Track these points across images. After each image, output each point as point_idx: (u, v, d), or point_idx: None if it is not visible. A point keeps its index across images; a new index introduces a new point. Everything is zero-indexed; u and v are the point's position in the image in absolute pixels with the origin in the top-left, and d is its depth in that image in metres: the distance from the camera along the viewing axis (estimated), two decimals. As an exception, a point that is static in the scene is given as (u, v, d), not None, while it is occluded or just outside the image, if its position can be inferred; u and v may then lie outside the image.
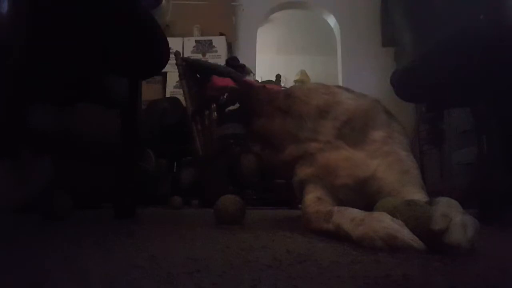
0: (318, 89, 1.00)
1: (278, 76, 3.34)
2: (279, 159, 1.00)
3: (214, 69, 2.74)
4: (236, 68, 3.02)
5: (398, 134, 0.92)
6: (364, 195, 0.84)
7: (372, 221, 0.63)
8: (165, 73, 3.80)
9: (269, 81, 3.30)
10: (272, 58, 6.10)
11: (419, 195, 0.79)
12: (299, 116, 0.95)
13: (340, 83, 4.70)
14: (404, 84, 1.51)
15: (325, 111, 0.92)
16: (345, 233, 0.67)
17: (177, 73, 2.72)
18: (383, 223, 0.61)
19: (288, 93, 1.03)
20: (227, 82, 2.49)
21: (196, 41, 4.02)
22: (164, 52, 1.35)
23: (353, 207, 0.76)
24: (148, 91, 3.49)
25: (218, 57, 3.92)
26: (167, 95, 3.79)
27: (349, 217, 0.68)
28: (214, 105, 2.34)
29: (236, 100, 1.19)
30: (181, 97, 2.87)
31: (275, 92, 1.09)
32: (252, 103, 1.06)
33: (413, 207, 0.64)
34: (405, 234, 0.59)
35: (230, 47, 4.25)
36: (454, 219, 0.56)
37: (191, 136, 2.51)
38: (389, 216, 0.63)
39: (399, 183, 0.82)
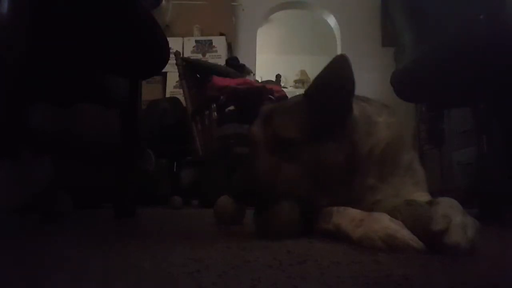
0: (365, 112, 0.82)
1: (278, 76, 3.34)
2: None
3: (214, 69, 2.74)
4: (236, 68, 3.02)
5: (414, 150, 0.90)
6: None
7: (371, 222, 0.63)
8: (165, 73, 3.80)
9: (269, 81, 3.30)
10: (272, 58, 6.10)
11: (425, 197, 0.79)
12: (358, 161, 0.78)
13: (340, 83, 4.69)
14: (404, 84, 1.52)
15: (373, 154, 0.79)
16: (345, 233, 0.67)
17: (177, 73, 2.72)
18: (382, 223, 0.62)
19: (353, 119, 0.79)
20: (227, 82, 2.49)
21: (196, 41, 4.01)
22: (164, 52, 1.35)
23: None
24: (148, 91, 3.49)
25: (218, 57, 3.92)
26: (167, 95, 3.79)
27: (348, 218, 0.68)
28: (214, 105, 2.34)
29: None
30: (181, 97, 2.87)
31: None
32: (347, 126, 0.77)
33: (413, 207, 0.64)
34: (404, 234, 0.59)
35: (230, 47, 4.25)
36: (455, 219, 0.57)
37: (191, 136, 2.51)
38: (388, 216, 0.63)
39: (409, 194, 0.81)
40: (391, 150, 0.80)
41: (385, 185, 0.80)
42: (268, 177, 0.74)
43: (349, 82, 0.75)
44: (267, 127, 0.80)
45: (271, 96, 2.39)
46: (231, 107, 2.54)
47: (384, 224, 0.61)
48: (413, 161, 0.86)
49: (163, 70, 3.23)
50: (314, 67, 6.35)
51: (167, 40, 1.36)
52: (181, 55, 2.81)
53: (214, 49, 4.00)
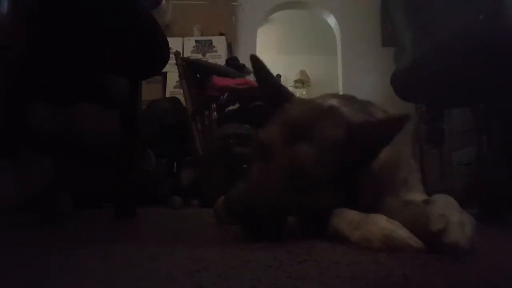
0: None
1: (278, 76, 3.34)
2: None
3: (214, 69, 2.74)
4: (236, 68, 3.02)
5: (411, 159, 0.89)
6: None
7: (368, 224, 0.63)
8: (165, 73, 3.80)
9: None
10: (272, 58, 6.09)
11: (422, 197, 0.79)
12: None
13: (340, 83, 4.70)
14: (404, 84, 1.52)
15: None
16: (343, 236, 0.67)
17: (177, 73, 2.72)
18: (379, 224, 0.62)
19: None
20: (227, 82, 2.49)
21: (196, 41, 4.02)
22: (164, 52, 1.36)
23: None
24: (148, 91, 3.49)
25: (218, 57, 3.92)
26: (167, 95, 3.79)
27: (346, 220, 0.68)
28: (214, 105, 2.34)
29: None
30: (181, 97, 2.87)
31: None
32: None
33: (410, 207, 0.64)
34: (402, 233, 0.59)
35: (230, 47, 4.25)
36: (452, 218, 0.57)
37: (191, 136, 2.51)
38: (385, 217, 0.64)
39: (404, 195, 0.82)
40: (388, 169, 0.78)
41: (380, 203, 0.76)
42: (281, 205, 0.68)
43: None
44: (293, 148, 0.70)
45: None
46: (231, 107, 2.54)
47: (381, 225, 0.62)
48: (408, 176, 0.86)
49: (163, 70, 3.23)
50: (314, 67, 6.36)
51: (167, 40, 1.36)
52: (181, 55, 2.81)
53: (214, 49, 4.01)
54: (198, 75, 2.74)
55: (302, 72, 6.44)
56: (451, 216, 0.57)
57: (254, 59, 0.85)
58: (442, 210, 0.59)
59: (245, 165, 2.42)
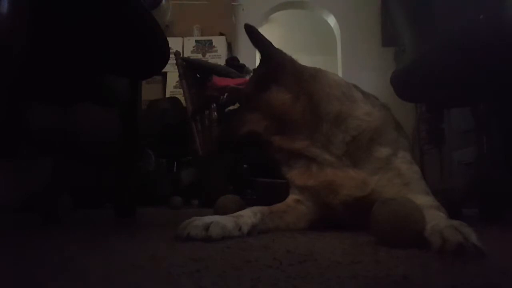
0: (341, 86, 0.94)
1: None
2: (288, 147, 0.92)
3: (214, 69, 2.74)
4: (236, 68, 3.01)
5: (402, 151, 0.90)
6: (365, 209, 0.76)
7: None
8: (165, 73, 3.80)
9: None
10: (272, 58, 6.08)
11: (423, 200, 0.79)
12: (318, 113, 0.90)
13: (340, 83, 4.69)
14: (404, 84, 1.51)
15: (341, 120, 0.89)
16: None
17: (177, 73, 2.72)
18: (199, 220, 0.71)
19: (314, 75, 0.97)
20: (227, 82, 2.49)
21: (196, 41, 4.01)
22: (164, 52, 1.35)
23: (353, 219, 0.82)
24: (148, 91, 3.48)
25: (218, 57, 3.92)
26: (167, 95, 3.79)
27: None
28: (214, 105, 2.34)
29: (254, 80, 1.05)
30: (181, 97, 2.87)
31: (303, 67, 1.00)
32: (277, 70, 0.97)
33: (389, 204, 0.64)
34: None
35: (230, 47, 4.25)
36: (450, 239, 0.56)
37: (191, 136, 2.51)
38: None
39: (400, 194, 0.81)
40: (364, 135, 0.87)
41: (360, 170, 0.86)
42: (236, 125, 0.98)
43: (258, 43, 1.05)
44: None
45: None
46: (231, 107, 2.54)
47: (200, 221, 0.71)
48: (395, 159, 0.87)
49: (163, 70, 3.23)
50: (314, 67, 6.35)
51: (167, 40, 1.35)
52: (181, 55, 2.80)
53: (214, 49, 4.00)
54: (198, 75, 2.74)
55: (302, 72, 6.43)
56: (449, 236, 0.57)
57: (249, 29, 1.05)
58: (435, 224, 0.61)
59: (245, 166, 2.42)
